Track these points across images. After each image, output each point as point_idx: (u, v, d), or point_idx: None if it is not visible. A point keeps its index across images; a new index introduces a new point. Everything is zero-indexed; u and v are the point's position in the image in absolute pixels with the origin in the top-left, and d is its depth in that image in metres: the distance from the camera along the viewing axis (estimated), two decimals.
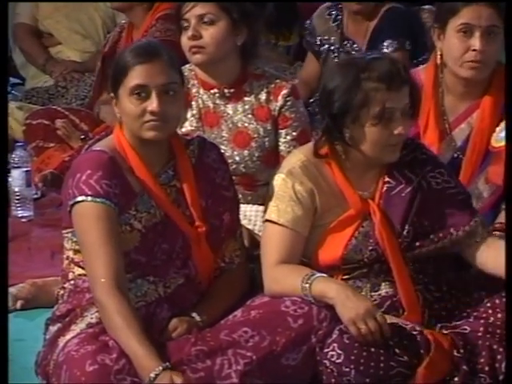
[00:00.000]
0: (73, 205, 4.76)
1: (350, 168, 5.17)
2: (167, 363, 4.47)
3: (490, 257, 5.07)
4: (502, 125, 5.60)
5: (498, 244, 5.08)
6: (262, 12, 6.14)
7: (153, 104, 4.76)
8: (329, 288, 4.80)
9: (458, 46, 5.54)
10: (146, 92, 4.81)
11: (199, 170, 5.13)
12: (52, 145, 7.02)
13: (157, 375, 4.40)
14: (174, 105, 4.90)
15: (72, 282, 4.97)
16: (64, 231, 5.01)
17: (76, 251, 4.96)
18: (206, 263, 5.08)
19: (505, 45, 5.28)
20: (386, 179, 5.17)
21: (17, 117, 7.44)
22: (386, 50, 6.76)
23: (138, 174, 4.91)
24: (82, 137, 7.04)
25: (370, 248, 5.12)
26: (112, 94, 5.04)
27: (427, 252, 5.20)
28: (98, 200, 4.71)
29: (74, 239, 4.90)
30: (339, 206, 5.14)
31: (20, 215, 6.61)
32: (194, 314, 4.92)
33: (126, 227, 4.85)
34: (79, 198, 4.73)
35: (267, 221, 5.16)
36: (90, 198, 4.71)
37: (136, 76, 4.82)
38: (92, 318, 4.76)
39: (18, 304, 5.77)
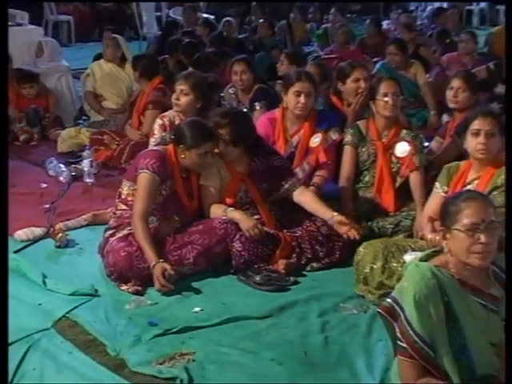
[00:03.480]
0: (140, 172, 4.73)
1: (233, 158, 5.05)
2: (160, 259, 4.52)
3: (302, 199, 5.03)
4: (315, 135, 5.52)
5: (305, 192, 5.08)
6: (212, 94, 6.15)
7: None
8: (235, 214, 4.83)
9: (293, 101, 5.40)
10: None
11: None
12: (102, 148, 6.96)
13: (154, 265, 4.48)
14: None
15: (119, 212, 4.92)
16: (126, 181, 4.96)
17: (129, 194, 4.89)
18: (193, 215, 5.02)
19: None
20: (251, 163, 5.06)
21: (86, 135, 7.32)
22: (256, 108, 6.63)
23: (172, 168, 4.88)
24: (117, 143, 7.02)
25: (247, 196, 5.04)
26: None
27: (276, 197, 5.13)
28: (153, 174, 4.70)
29: (132, 188, 4.85)
30: (229, 176, 5.02)
31: (87, 181, 6.46)
32: (174, 216, 4.93)
33: (157, 192, 4.80)
34: (145, 170, 4.70)
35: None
36: (149, 172, 4.69)
37: None
38: (126, 232, 4.76)
39: (85, 223, 5.61)
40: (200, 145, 4.86)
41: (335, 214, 4.86)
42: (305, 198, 5.07)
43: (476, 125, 4.40)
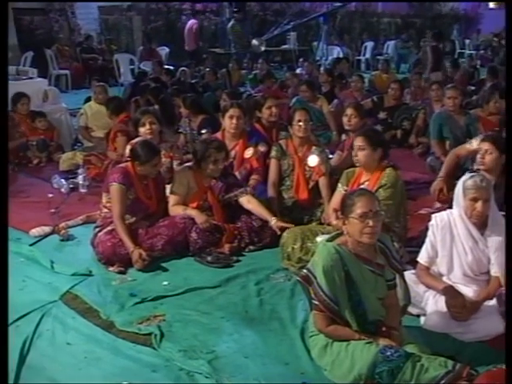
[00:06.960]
0: (110, 185, 4.64)
1: (205, 175, 4.92)
2: (137, 246, 4.49)
3: (249, 206, 4.94)
4: (247, 149, 5.51)
5: (252, 200, 4.97)
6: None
7: None
8: (192, 212, 4.75)
9: (228, 122, 5.41)
10: None
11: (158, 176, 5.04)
12: (92, 166, 6.74)
13: (132, 251, 4.46)
14: None
15: (103, 214, 4.82)
16: (104, 193, 4.80)
17: (107, 201, 4.77)
18: (158, 212, 4.88)
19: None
20: (213, 179, 4.93)
21: (80, 157, 7.08)
22: (203, 133, 6.40)
23: (133, 179, 4.73)
24: (102, 162, 6.85)
25: (208, 202, 4.88)
26: None
27: (226, 199, 4.96)
28: (120, 185, 4.62)
29: (108, 197, 4.72)
30: (196, 187, 4.91)
31: (82, 191, 6.26)
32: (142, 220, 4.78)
33: (126, 197, 4.68)
34: (113, 183, 4.62)
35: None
36: (115, 184, 4.62)
37: None
38: (109, 228, 4.66)
39: (81, 222, 5.44)
40: (150, 160, 4.76)
41: (274, 218, 4.83)
42: (252, 205, 4.99)
43: (355, 141, 4.43)
